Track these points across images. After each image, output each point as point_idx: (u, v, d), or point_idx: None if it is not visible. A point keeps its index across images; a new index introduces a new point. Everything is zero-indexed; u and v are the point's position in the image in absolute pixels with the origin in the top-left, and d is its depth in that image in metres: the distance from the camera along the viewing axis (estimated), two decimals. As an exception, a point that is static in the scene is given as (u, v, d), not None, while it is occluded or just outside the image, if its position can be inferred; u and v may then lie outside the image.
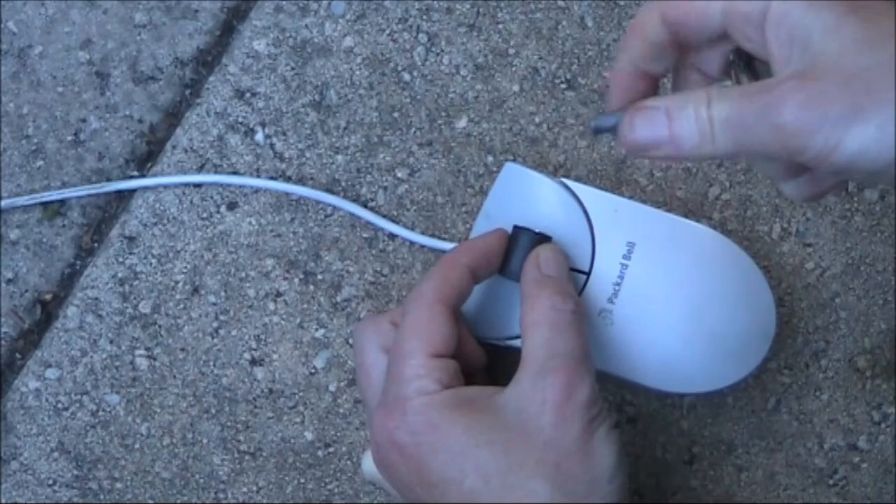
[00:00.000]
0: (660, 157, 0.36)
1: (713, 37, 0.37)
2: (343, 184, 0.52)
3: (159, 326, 0.52)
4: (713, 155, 0.35)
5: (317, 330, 0.52)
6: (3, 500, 0.52)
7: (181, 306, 0.52)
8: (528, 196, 0.48)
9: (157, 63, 0.53)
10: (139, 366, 0.52)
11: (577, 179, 0.49)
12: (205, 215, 0.52)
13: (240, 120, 0.53)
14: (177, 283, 0.52)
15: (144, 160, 0.53)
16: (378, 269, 0.52)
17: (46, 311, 0.53)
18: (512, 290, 0.46)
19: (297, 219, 0.52)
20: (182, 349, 0.52)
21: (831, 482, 0.51)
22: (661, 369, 0.47)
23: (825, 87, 0.33)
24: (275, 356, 0.52)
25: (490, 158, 0.52)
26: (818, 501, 0.51)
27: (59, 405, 0.52)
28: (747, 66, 0.38)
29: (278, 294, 0.52)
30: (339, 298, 0.52)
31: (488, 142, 0.52)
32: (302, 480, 0.52)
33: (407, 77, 0.53)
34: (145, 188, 0.53)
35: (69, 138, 0.53)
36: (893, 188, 0.51)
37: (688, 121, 0.35)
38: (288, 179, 0.52)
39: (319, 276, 0.52)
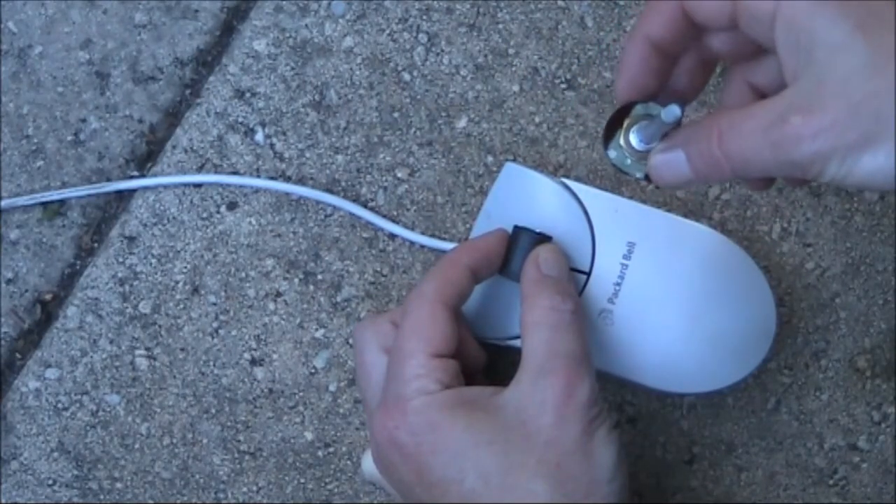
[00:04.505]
0: (691, 187, 0.38)
1: (726, 28, 0.38)
2: (343, 184, 0.52)
3: (159, 326, 0.52)
4: (736, 178, 0.37)
5: (317, 330, 0.52)
6: (3, 500, 0.52)
7: (181, 306, 0.52)
8: (528, 196, 0.48)
9: (157, 63, 0.53)
10: (139, 366, 0.52)
11: (577, 179, 0.49)
12: (205, 215, 0.52)
13: (240, 120, 0.53)
14: (177, 283, 0.52)
15: (144, 160, 0.53)
16: (378, 269, 0.52)
17: (46, 311, 0.53)
18: (512, 290, 0.46)
19: (297, 219, 0.52)
20: (182, 349, 0.52)
21: (831, 482, 0.51)
22: (661, 369, 0.47)
23: (835, 116, 0.33)
24: (275, 356, 0.52)
25: (490, 158, 0.52)
26: (818, 501, 0.51)
27: (59, 405, 0.52)
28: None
29: (278, 294, 0.52)
30: (339, 298, 0.52)
31: (488, 142, 0.52)
32: (302, 480, 0.52)
33: (407, 77, 0.53)
34: (145, 188, 0.53)
35: (69, 138, 0.53)
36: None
37: (703, 159, 0.37)
38: (288, 179, 0.52)
39: (319, 276, 0.52)
